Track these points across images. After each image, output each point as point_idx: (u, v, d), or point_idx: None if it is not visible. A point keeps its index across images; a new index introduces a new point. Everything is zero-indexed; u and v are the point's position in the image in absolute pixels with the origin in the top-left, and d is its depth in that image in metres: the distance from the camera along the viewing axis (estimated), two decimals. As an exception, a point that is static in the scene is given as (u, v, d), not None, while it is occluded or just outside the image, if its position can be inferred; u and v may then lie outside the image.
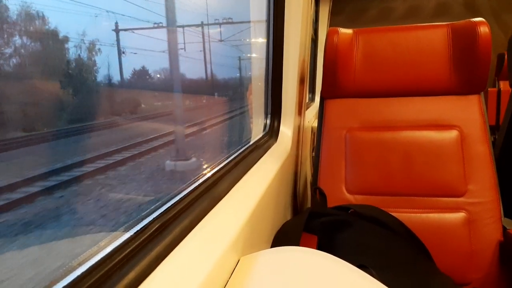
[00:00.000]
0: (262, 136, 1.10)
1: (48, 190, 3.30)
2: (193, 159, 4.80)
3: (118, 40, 7.68)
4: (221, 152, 5.90)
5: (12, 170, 3.63)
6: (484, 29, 0.96)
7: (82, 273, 0.32)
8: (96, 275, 0.33)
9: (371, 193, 1.01)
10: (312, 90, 3.18)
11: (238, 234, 0.51)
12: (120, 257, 0.36)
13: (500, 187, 0.96)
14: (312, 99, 3.11)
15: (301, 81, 1.18)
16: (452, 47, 1.03)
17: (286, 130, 1.14)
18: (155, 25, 8.41)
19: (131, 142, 5.41)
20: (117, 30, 7.47)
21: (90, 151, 4.72)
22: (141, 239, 0.40)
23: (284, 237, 0.79)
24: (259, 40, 1.18)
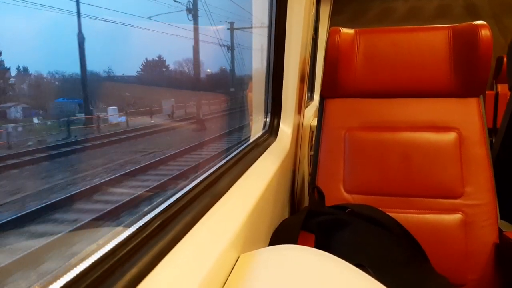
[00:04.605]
0: (262, 134, 1.10)
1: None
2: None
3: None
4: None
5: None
6: (485, 32, 0.96)
7: (85, 269, 0.33)
8: (99, 271, 0.33)
9: (369, 193, 1.02)
10: (311, 89, 3.18)
11: (238, 232, 0.51)
12: (122, 253, 0.36)
13: (497, 189, 0.97)
14: (311, 98, 3.11)
15: (302, 79, 1.18)
16: (453, 49, 1.03)
17: (286, 129, 1.14)
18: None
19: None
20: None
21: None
22: (143, 236, 0.40)
23: (282, 235, 0.79)
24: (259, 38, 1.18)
